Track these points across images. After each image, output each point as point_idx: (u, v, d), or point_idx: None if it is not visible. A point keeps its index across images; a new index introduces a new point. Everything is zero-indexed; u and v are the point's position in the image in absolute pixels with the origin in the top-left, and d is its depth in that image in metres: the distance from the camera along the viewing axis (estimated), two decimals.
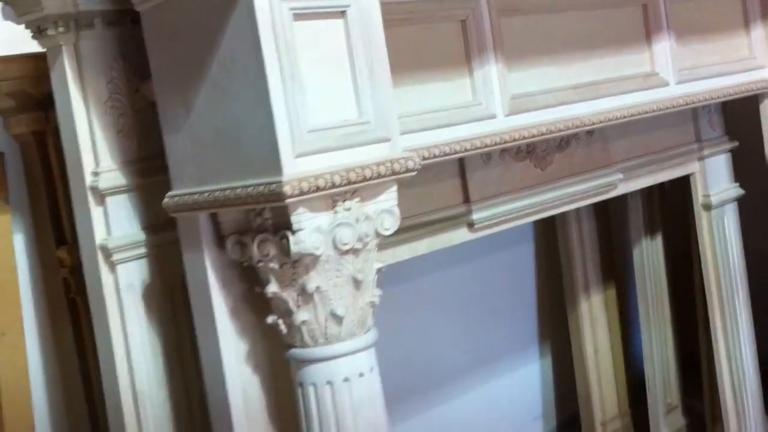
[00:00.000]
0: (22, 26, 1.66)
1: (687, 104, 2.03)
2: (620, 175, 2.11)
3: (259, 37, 1.26)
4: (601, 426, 2.90)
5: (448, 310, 2.90)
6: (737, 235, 2.47)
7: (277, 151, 1.24)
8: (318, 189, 1.24)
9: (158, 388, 1.62)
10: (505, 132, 1.70)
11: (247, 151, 1.30)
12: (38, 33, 1.62)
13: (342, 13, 1.33)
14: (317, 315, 1.34)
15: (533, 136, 1.73)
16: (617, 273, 3.02)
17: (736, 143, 2.47)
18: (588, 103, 1.85)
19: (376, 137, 1.34)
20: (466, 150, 1.64)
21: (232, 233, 1.40)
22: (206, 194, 1.35)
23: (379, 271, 1.39)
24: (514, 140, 1.71)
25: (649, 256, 2.75)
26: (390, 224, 1.35)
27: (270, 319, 1.40)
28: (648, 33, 2.03)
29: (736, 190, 2.48)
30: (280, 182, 1.22)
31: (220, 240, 1.44)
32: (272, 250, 1.32)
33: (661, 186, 2.68)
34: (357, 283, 1.34)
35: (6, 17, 1.90)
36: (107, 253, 1.58)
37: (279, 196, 1.22)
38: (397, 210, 1.36)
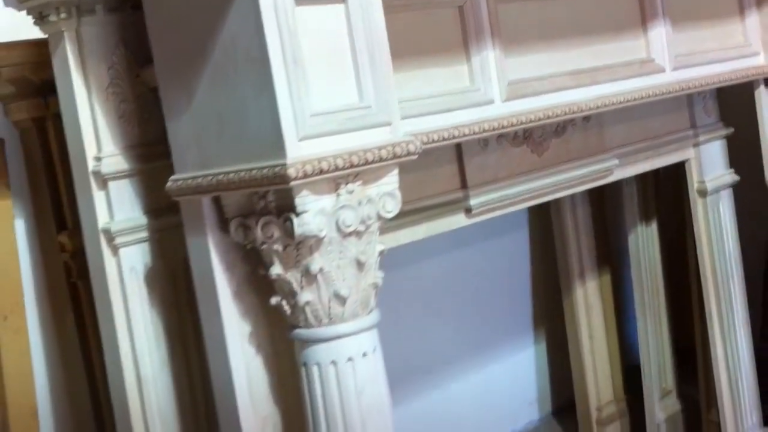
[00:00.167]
0: (24, 12, 1.66)
1: (682, 90, 2.06)
2: (616, 161, 2.12)
3: (262, 23, 1.27)
4: (596, 411, 2.92)
5: (444, 296, 2.92)
6: (732, 221, 2.49)
7: (281, 135, 1.26)
8: (321, 172, 1.26)
9: (161, 370, 1.63)
10: (503, 117, 1.72)
11: (251, 135, 1.31)
12: (40, 19, 1.62)
13: None
14: (321, 296, 1.35)
15: (530, 122, 1.75)
16: (612, 259, 3.04)
17: (731, 129, 2.49)
18: (585, 89, 1.87)
19: (377, 121, 1.35)
20: (464, 135, 1.65)
21: (236, 216, 1.41)
22: (209, 178, 1.37)
23: (381, 253, 1.41)
24: (512, 125, 1.73)
25: (644, 242, 2.76)
26: (392, 207, 1.37)
27: (274, 300, 1.41)
28: (644, 19, 2.05)
29: (731, 176, 2.49)
30: (285, 165, 1.24)
31: (223, 223, 1.45)
32: (276, 233, 1.34)
33: (656, 173, 2.70)
34: (360, 265, 1.36)
35: (7, 4, 1.91)
36: (110, 236, 1.60)
37: (283, 178, 1.24)
38: (398, 193, 1.38)
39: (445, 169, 1.82)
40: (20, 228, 2.03)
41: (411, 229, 1.76)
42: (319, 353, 1.37)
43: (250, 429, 1.48)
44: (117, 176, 1.61)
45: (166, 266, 1.65)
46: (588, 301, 2.91)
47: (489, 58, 1.72)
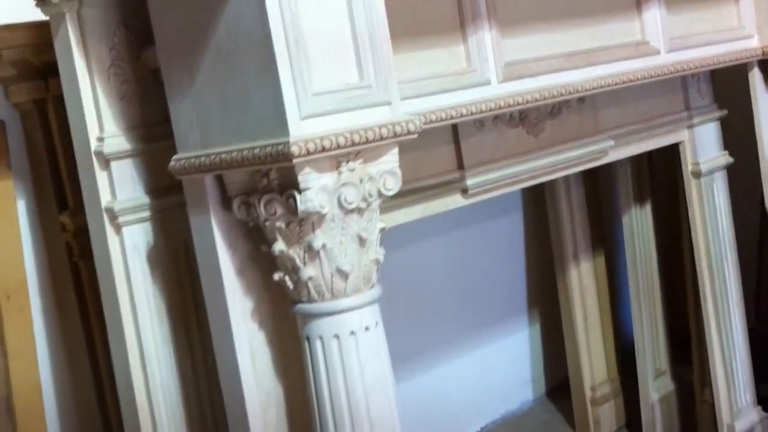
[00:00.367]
0: None
1: (677, 72, 2.07)
2: (611, 143, 2.14)
3: (265, 4, 1.28)
4: (590, 391, 2.95)
5: (440, 278, 2.95)
6: (726, 202, 2.50)
7: (283, 114, 1.28)
8: (323, 150, 1.27)
9: (163, 346, 1.65)
10: (500, 98, 1.73)
11: (254, 114, 1.33)
12: (41, 1, 1.63)
13: None
14: (323, 271, 1.37)
15: (527, 102, 1.76)
16: (606, 241, 3.06)
17: (725, 111, 2.50)
18: (580, 71, 1.88)
19: (377, 100, 1.37)
20: (461, 115, 1.67)
21: (238, 194, 1.43)
22: (212, 156, 1.38)
23: (382, 230, 1.44)
24: (509, 106, 1.74)
25: (638, 224, 2.77)
26: (392, 185, 1.39)
27: (276, 276, 1.43)
28: (639, 2, 2.06)
29: (725, 158, 2.50)
30: (288, 143, 1.26)
31: (225, 202, 1.47)
32: (279, 210, 1.36)
33: (650, 155, 2.71)
34: (362, 241, 1.38)
35: None
36: (113, 215, 1.61)
37: (287, 156, 1.26)
38: (398, 171, 1.40)
39: (441, 150, 1.83)
40: (22, 209, 2.05)
41: (408, 209, 1.77)
42: (321, 327, 1.39)
43: (253, 403, 1.50)
44: (119, 156, 1.63)
45: (168, 245, 1.67)
46: (582, 283, 2.93)
47: (486, 39, 1.74)
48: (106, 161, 1.62)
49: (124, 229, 1.63)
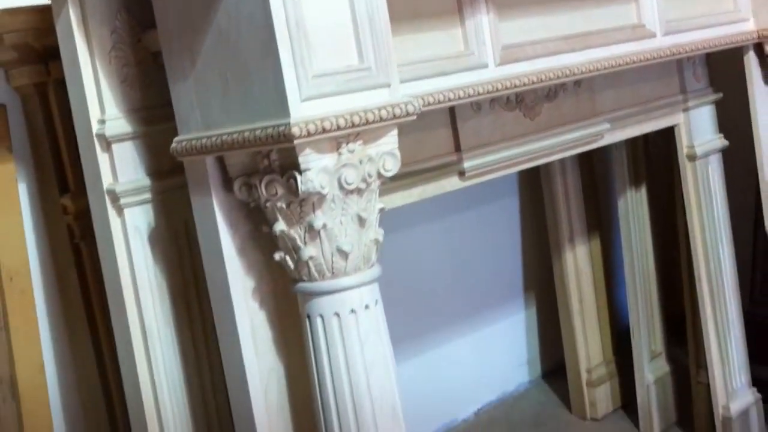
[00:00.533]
0: None
1: (673, 55, 2.08)
2: (607, 126, 2.15)
3: None
4: (586, 373, 2.97)
5: (437, 261, 2.96)
6: (721, 185, 2.51)
7: (284, 95, 1.29)
8: (324, 131, 1.29)
9: (165, 324, 1.67)
10: (497, 80, 1.73)
11: (255, 96, 1.34)
12: None
13: None
14: (323, 251, 1.39)
15: (524, 85, 1.77)
16: (602, 224, 3.07)
17: (720, 95, 2.51)
18: (577, 54, 1.88)
19: (377, 82, 1.38)
20: (459, 98, 1.67)
21: (239, 175, 1.44)
22: (214, 138, 1.40)
23: (381, 210, 1.45)
24: (506, 89, 1.75)
25: (633, 207, 2.78)
26: (391, 166, 1.41)
27: (277, 256, 1.45)
28: None
29: (720, 141, 2.51)
30: (289, 124, 1.27)
31: (226, 183, 1.49)
32: (280, 190, 1.37)
33: (645, 138, 2.72)
34: (362, 221, 1.40)
35: None
36: (114, 197, 1.63)
37: (288, 137, 1.27)
38: (398, 152, 1.41)
39: (439, 133, 1.84)
40: (23, 192, 2.07)
41: (405, 192, 1.78)
42: (322, 305, 1.41)
43: (254, 381, 1.52)
44: (120, 139, 1.64)
45: (169, 226, 1.68)
46: (578, 265, 2.95)
47: (483, 22, 1.74)
48: (107, 143, 1.63)
49: (126, 211, 1.64)
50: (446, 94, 1.65)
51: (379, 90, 1.39)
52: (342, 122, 1.31)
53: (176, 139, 1.50)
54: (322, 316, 1.41)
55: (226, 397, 1.63)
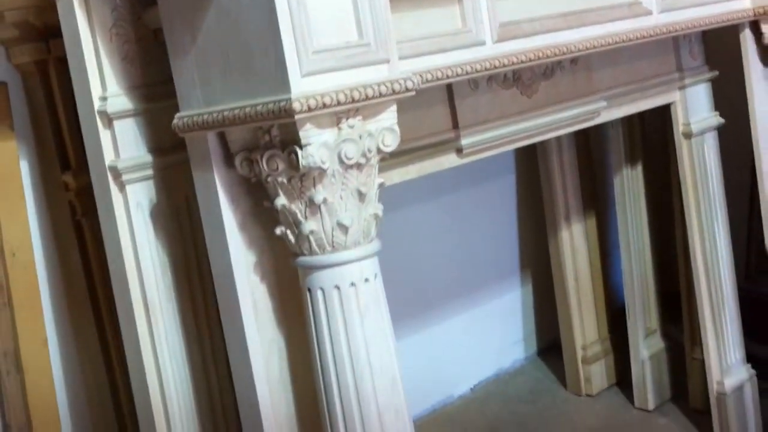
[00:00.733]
0: None
1: (669, 33, 2.08)
2: (603, 103, 2.16)
3: None
4: (581, 349, 3.00)
5: (434, 240, 2.98)
6: (717, 162, 2.51)
7: (285, 71, 1.30)
8: (324, 106, 1.30)
9: (167, 298, 1.69)
10: (494, 58, 1.74)
11: (255, 72, 1.35)
12: None
13: None
14: (324, 225, 1.41)
15: (521, 62, 1.77)
16: (598, 202, 3.08)
17: (716, 73, 2.51)
18: (574, 31, 1.89)
19: (376, 58, 1.39)
20: (457, 75, 1.68)
21: (241, 151, 1.46)
22: (215, 114, 1.41)
23: (381, 185, 1.47)
24: (503, 66, 1.75)
25: (629, 184, 2.80)
26: (390, 141, 1.42)
27: (278, 231, 1.47)
28: None
29: (716, 119, 2.51)
30: (289, 99, 1.29)
31: (228, 159, 1.50)
32: (281, 165, 1.39)
33: (641, 116, 2.73)
34: (361, 196, 1.42)
35: None
36: (116, 173, 1.64)
37: (288, 112, 1.29)
38: (397, 128, 1.43)
39: (436, 111, 1.85)
40: (25, 169, 2.09)
41: (403, 169, 1.79)
42: (323, 278, 1.43)
43: (256, 351, 1.54)
44: (122, 115, 1.65)
45: (170, 202, 1.70)
46: (574, 243, 2.97)
47: None
48: (109, 120, 1.65)
49: (128, 187, 1.66)
50: (444, 71, 1.65)
51: (378, 66, 1.40)
52: (342, 97, 1.32)
53: (178, 115, 1.51)
54: (322, 289, 1.43)
55: (227, 368, 1.66)
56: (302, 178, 1.39)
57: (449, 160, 1.90)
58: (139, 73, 1.68)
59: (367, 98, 1.35)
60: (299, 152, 1.34)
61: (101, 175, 1.66)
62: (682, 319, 2.78)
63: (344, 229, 1.41)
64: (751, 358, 2.64)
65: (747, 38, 2.40)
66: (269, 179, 1.43)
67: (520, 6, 1.82)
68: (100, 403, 2.14)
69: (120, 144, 1.66)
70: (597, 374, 3.00)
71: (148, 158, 1.68)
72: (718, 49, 2.54)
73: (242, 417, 1.61)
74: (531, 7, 1.84)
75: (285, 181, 1.41)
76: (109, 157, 1.66)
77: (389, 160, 1.65)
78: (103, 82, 1.65)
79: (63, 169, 2.07)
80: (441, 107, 1.87)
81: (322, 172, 1.37)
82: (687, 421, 2.73)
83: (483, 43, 1.75)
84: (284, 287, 1.59)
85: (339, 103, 1.32)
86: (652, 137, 2.84)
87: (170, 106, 1.56)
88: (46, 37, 2.01)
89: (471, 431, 2.84)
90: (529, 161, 3.13)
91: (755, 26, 2.40)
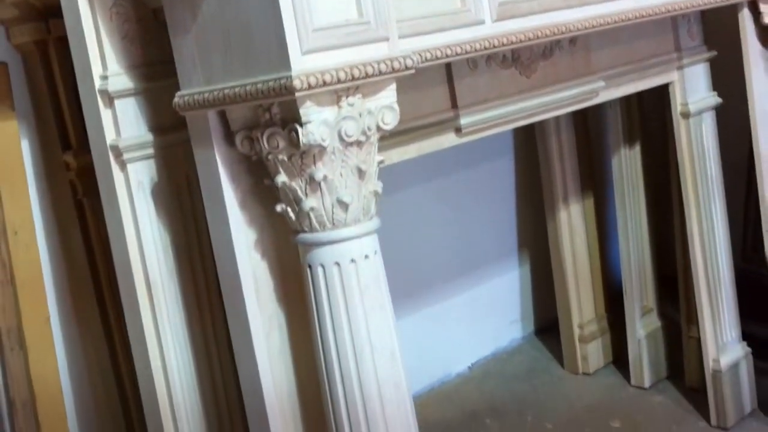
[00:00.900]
0: None
1: (667, 12, 2.08)
2: (602, 83, 2.16)
3: None
4: (578, 328, 3.01)
5: (433, 220, 3.00)
6: (714, 142, 2.52)
7: (285, 49, 1.31)
8: (324, 84, 1.31)
9: (169, 276, 1.71)
10: (494, 37, 1.74)
11: (256, 50, 1.36)
12: None
13: None
14: (324, 202, 1.42)
15: (520, 42, 1.78)
16: (596, 182, 3.09)
17: (715, 53, 2.52)
18: (573, 11, 1.89)
19: (376, 36, 1.40)
20: (456, 54, 1.68)
21: (241, 129, 1.47)
22: (216, 92, 1.42)
23: (380, 163, 1.48)
24: (502, 45, 1.75)
25: (627, 165, 2.80)
26: (390, 119, 1.43)
27: (279, 208, 1.48)
28: None
29: (714, 99, 2.52)
30: (290, 77, 1.29)
31: (228, 137, 1.51)
32: (281, 143, 1.40)
33: (639, 96, 2.74)
34: (361, 173, 1.43)
35: None
36: (118, 152, 1.65)
37: (289, 90, 1.29)
38: (396, 106, 1.44)
39: (436, 90, 1.85)
40: (26, 148, 2.09)
41: (403, 149, 1.80)
42: (323, 255, 1.44)
43: (257, 327, 1.56)
44: (123, 94, 1.66)
45: (171, 181, 1.71)
46: (571, 224, 2.98)
47: None
48: (110, 99, 1.65)
49: (129, 166, 1.66)
50: (443, 50, 1.65)
51: (378, 44, 1.41)
52: (342, 75, 1.33)
53: (178, 93, 1.52)
54: (323, 266, 1.44)
55: (229, 344, 1.68)
56: (302, 155, 1.40)
57: (448, 140, 1.91)
58: (139, 52, 1.69)
59: (367, 76, 1.36)
60: (300, 130, 1.35)
61: (102, 155, 1.67)
62: (679, 299, 2.79)
63: (344, 206, 1.43)
64: (747, 337, 2.65)
65: (745, 18, 2.41)
66: (270, 157, 1.44)
67: None
68: (102, 380, 2.16)
69: (121, 123, 1.66)
70: (593, 353, 3.02)
71: (149, 137, 1.68)
72: (716, 29, 2.55)
73: (244, 392, 1.63)
74: None
75: (285, 158, 1.42)
76: (110, 136, 1.66)
77: (389, 139, 1.66)
78: (103, 61, 1.66)
79: (64, 149, 2.08)
80: (440, 87, 1.87)
81: (323, 149, 1.38)
82: (682, 398, 2.75)
83: (482, 23, 1.75)
84: (284, 264, 1.60)
85: (339, 81, 1.33)
86: (650, 118, 2.85)
87: (170, 85, 1.56)
88: (46, 17, 2.01)
89: (468, 408, 2.86)
90: (528, 142, 3.14)
91: (754, 6, 2.40)
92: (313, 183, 1.41)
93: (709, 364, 2.57)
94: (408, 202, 2.87)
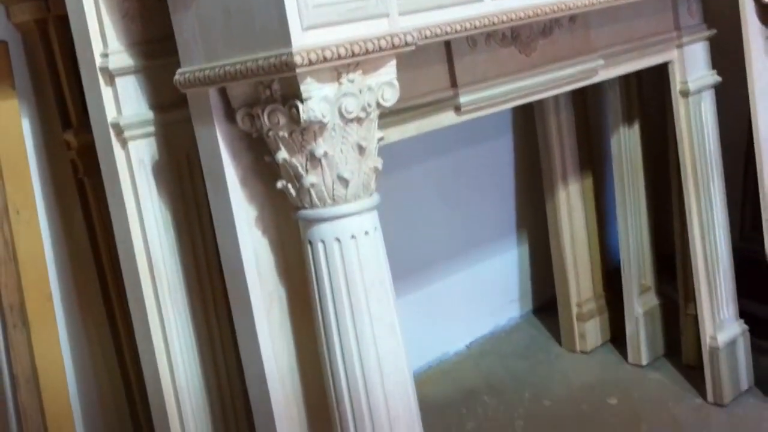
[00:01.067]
0: None
1: None
2: (601, 62, 2.16)
3: None
4: (576, 306, 3.02)
5: (432, 199, 3.00)
6: (714, 121, 2.53)
7: (286, 25, 1.31)
8: (325, 60, 1.32)
9: (171, 254, 1.72)
10: (493, 14, 1.75)
11: (257, 26, 1.36)
12: None
13: None
14: (325, 178, 1.43)
15: (520, 19, 1.78)
16: (595, 162, 3.10)
17: (714, 31, 2.52)
18: None
19: (376, 12, 1.41)
20: (456, 32, 1.68)
21: (242, 106, 1.47)
22: (217, 69, 1.42)
23: (380, 140, 1.49)
24: (502, 23, 1.76)
25: (626, 145, 2.81)
26: (390, 95, 1.44)
27: (280, 184, 1.49)
28: None
29: (713, 77, 2.52)
30: (291, 53, 1.30)
31: (229, 114, 1.52)
32: (282, 120, 1.41)
33: (638, 77, 2.75)
34: (361, 150, 1.44)
35: None
36: (119, 130, 1.66)
37: (290, 66, 1.30)
38: (396, 82, 1.44)
39: (435, 69, 1.85)
40: (26, 127, 2.10)
41: (402, 127, 1.80)
42: (323, 231, 1.45)
43: (257, 302, 1.57)
44: (123, 72, 1.66)
45: (172, 159, 1.72)
46: (570, 203, 2.99)
47: None
48: (110, 77, 1.66)
49: (130, 144, 1.67)
50: (443, 28, 1.66)
51: (378, 20, 1.41)
52: (342, 51, 1.33)
53: (179, 70, 1.53)
54: (323, 242, 1.46)
55: (230, 320, 1.69)
56: (303, 132, 1.40)
57: (448, 118, 1.91)
58: (139, 29, 1.69)
59: (367, 52, 1.36)
60: (300, 106, 1.36)
61: (103, 133, 1.68)
62: (677, 277, 2.81)
63: (344, 182, 1.43)
64: (744, 315, 2.67)
65: None
66: (270, 134, 1.45)
67: None
68: (104, 355, 2.18)
69: (122, 101, 1.67)
70: (591, 331, 3.04)
71: (149, 115, 1.69)
72: (716, 8, 2.54)
73: (244, 365, 1.65)
74: None
75: (286, 135, 1.43)
76: (111, 114, 1.67)
77: (388, 117, 1.66)
78: (104, 39, 1.66)
79: (64, 128, 2.08)
80: (440, 66, 1.87)
81: (323, 125, 1.39)
82: (679, 376, 2.77)
83: (482, 0, 1.76)
84: (285, 241, 1.61)
85: (339, 57, 1.33)
86: (649, 98, 2.85)
87: (171, 63, 1.57)
88: None
89: (466, 386, 2.88)
90: (527, 122, 3.15)
91: None
92: (313, 159, 1.42)
93: (706, 342, 2.58)
94: (407, 181, 2.87)
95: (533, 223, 3.29)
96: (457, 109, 1.91)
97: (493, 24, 1.74)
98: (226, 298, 1.65)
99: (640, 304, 2.88)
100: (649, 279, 2.91)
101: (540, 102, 2.86)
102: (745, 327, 2.66)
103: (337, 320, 1.47)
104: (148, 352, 1.75)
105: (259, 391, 1.62)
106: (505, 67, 1.98)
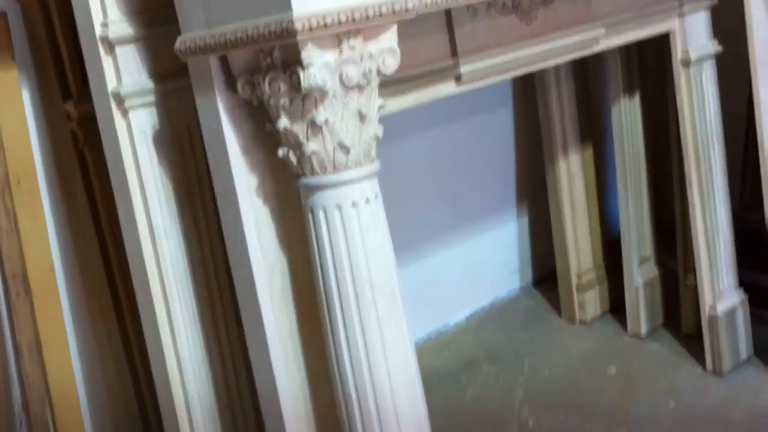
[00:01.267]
0: None
1: None
2: (602, 31, 2.15)
3: None
4: (576, 277, 3.03)
5: (432, 171, 3.00)
6: (714, 91, 2.52)
7: None
8: (326, 26, 1.31)
9: (171, 223, 1.72)
10: None
11: None
12: None
13: None
14: (326, 146, 1.43)
15: None
16: (595, 133, 3.09)
17: (716, 0, 2.49)
18: None
19: None
20: None
21: (243, 74, 1.47)
22: (217, 36, 1.42)
23: (381, 107, 1.49)
24: None
25: (627, 116, 2.80)
26: (390, 62, 1.43)
27: (281, 152, 1.49)
28: None
29: (714, 47, 2.51)
30: (292, 19, 1.30)
31: (230, 82, 1.52)
32: (282, 87, 1.40)
33: (639, 47, 2.74)
34: (362, 117, 1.44)
35: None
36: (119, 99, 1.66)
37: (290, 32, 1.30)
38: (397, 49, 1.44)
39: (435, 38, 1.84)
40: (26, 98, 2.09)
41: (401, 98, 1.79)
42: (324, 199, 1.45)
43: (259, 270, 1.58)
44: (123, 41, 1.66)
45: (172, 128, 1.72)
46: (570, 174, 2.98)
47: None
48: (110, 46, 1.65)
49: (131, 113, 1.67)
50: None
51: None
52: (343, 17, 1.33)
53: (180, 38, 1.52)
54: (324, 209, 1.46)
55: (231, 287, 1.70)
56: (304, 99, 1.40)
57: (448, 88, 1.90)
58: None
59: (368, 18, 1.36)
60: (301, 73, 1.36)
61: (104, 102, 1.68)
62: (676, 247, 2.81)
63: (345, 149, 1.44)
64: (745, 284, 2.68)
65: None
66: (271, 101, 1.44)
67: None
68: (105, 324, 2.19)
69: (122, 70, 1.67)
70: (591, 301, 3.04)
71: (150, 84, 1.69)
72: None
73: (246, 332, 1.66)
74: None
75: (287, 102, 1.43)
76: (111, 83, 1.67)
77: (388, 87, 1.66)
78: (103, 8, 1.66)
79: (64, 99, 2.08)
80: (440, 35, 1.86)
81: (324, 93, 1.39)
82: (679, 346, 2.78)
83: None
84: (286, 209, 1.61)
85: (340, 23, 1.33)
86: (649, 69, 2.84)
87: (170, 32, 1.57)
88: None
89: (466, 356, 2.89)
90: (527, 93, 3.14)
91: None
92: (314, 127, 1.42)
93: (705, 311, 2.59)
94: (406, 152, 2.87)
95: (533, 194, 3.29)
96: (458, 78, 1.90)
97: None
98: (228, 265, 1.66)
99: (640, 275, 2.88)
100: (648, 249, 2.92)
101: (541, 73, 2.85)
102: (745, 296, 2.67)
103: (338, 288, 1.48)
104: (150, 320, 1.76)
105: (261, 358, 1.63)
106: (506, 36, 1.97)
